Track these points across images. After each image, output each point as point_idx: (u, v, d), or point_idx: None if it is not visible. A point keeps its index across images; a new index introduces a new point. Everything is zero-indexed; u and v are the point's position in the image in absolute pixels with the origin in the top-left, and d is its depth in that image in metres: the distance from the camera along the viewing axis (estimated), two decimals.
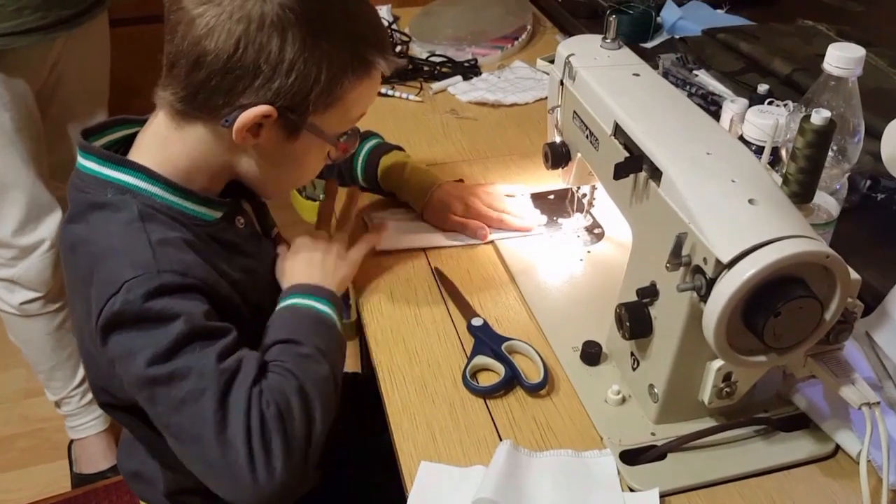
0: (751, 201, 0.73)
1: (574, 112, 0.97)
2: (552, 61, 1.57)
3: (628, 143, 0.85)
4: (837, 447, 0.83)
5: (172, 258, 0.79)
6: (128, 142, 0.89)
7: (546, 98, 1.47)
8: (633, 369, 0.88)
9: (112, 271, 0.77)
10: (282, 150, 0.85)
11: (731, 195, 0.74)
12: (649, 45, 1.60)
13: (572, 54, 0.98)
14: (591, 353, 0.92)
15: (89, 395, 1.82)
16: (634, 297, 0.84)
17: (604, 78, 0.93)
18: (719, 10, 1.72)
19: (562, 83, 1.00)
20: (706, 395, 0.81)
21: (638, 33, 1.59)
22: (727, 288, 0.69)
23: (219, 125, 0.81)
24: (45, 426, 1.98)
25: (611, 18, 0.98)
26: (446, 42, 1.64)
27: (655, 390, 0.83)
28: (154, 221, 0.81)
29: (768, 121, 0.94)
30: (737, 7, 1.73)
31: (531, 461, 0.81)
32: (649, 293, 0.82)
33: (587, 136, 0.94)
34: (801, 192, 0.78)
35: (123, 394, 0.83)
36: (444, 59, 1.59)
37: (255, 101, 0.79)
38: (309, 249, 0.98)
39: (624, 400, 0.87)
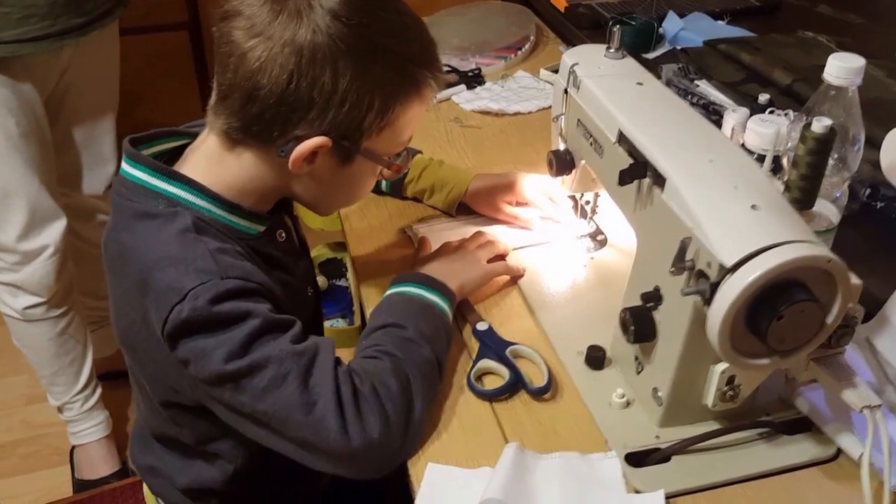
0: (753, 207, 0.74)
1: (578, 120, 0.99)
2: (556, 71, 1.60)
3: (632, 151, 0.86)
4: (839, 450, 0.84)
5: (234, 264, 0.81)
6: (173, 153, 0.90)
7: (549, 107, 1.50)
8: (638, 373, 0.89)
9: (173, 280, 0.78)
10: (336, 175, 0.87)
11: (734, 201, 0.75)
12: (651, 55, 1.62)
13: (577, 63, 1.00)
14: (596, 358, 0.93)
15: (91, 401, 1.83)
16: (639, 302, 0.85)
17: (608, 87, 0.95)
18: (720, 22, 1.74)
19: (566, 92, 1.02)
20: (710, 398, 0.82)
21: (640, 44, 1.61)
22: (731, 291, 0.70)
23: (273, 153, 0.83)
24: (47, 432, 1.98)
25: (615, 29, 0.99)
26: (451, 52, 1.66)
27: (659, 394, 0.85)
28: (207, 233, 0.82)
29: (769, 129, 0.95)
30: (738, 19, 1.75)
31: (537, 463, 0.82)
32: (653, 298, 0.83)
33: (591, 144, 0.96)
34: (803, 199, 0.80)
35: (176, 392, 0.86)
36: (449, 69, 1.61)
37: (309, 132, 0.80)
38: (447, 250, 1.05)
39: (628, 403, 0.88)
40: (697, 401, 0.84)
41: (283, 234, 0.94)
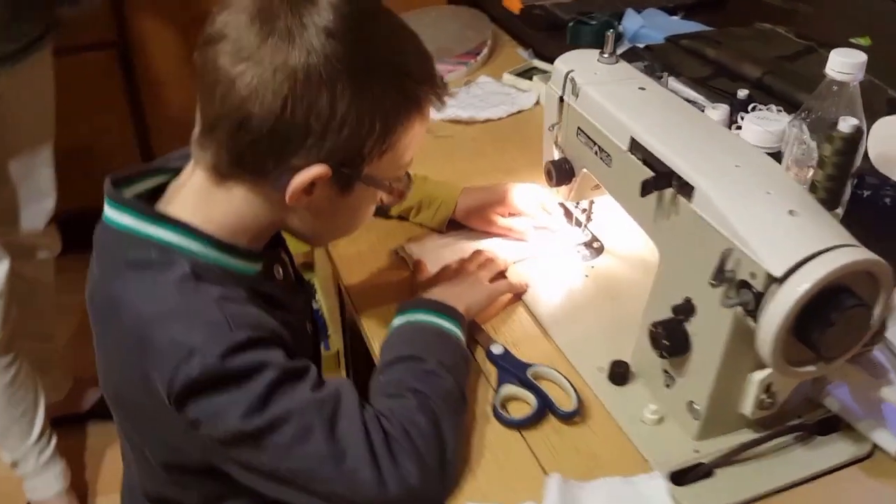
0: (791, 212, 0.72)
1: (578, 128, 0.96)
2: (519, 75, 1.58)
3: (648, 159, 0.84)
4: (874, 446, 0.84)
5: (242, 312, 0.75)
6: (154, 192, 0.83)
7: (518, 112, 1.47)
8: (667, 387, 0.86)
9: (177, 336, 0.72)
10: (335, 204, 0.81)
11: (771, 207, 0.73)
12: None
13: (572, 70, 0.97)
14: (619, 373, 0.90)
15: (47, 453, 1.72)
16: (665, 315, 0.83)
17: (611, 93, 0.92)
18: (674, 17, 1.74)
19: (561, 100, 0.99)
20: (748, 407, 0.80)
21: (601, 44, 1.58)
22: (783, 304, 0.68)
23: (267, 186, 0.77)
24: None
25: (608, 33, 0.97)
26: None
27: (696, 406, 0.82)
28: (207, 280, 0.76)
29: (776, 127, 0.94)
30: (691, 13, 1.76)
31: (582, 492, 0.78)
32: (685, 310, 0.81)
33: (597, 153, 0.93)
34: (829, 199, 0.79)
35: (182, 453, 0.80)
36: None
37: (306, 161, 0.74)
38: (447, 273, 1.01)
39: (661, 419, 0.86)
40: (734, 411, 0.82)
41: (281, 271, 0.88)
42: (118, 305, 0.76)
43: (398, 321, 0.91)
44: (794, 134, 0.93)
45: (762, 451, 0.82)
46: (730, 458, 0.81)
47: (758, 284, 0.71)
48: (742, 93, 1.25)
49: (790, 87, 1.31)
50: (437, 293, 0.95)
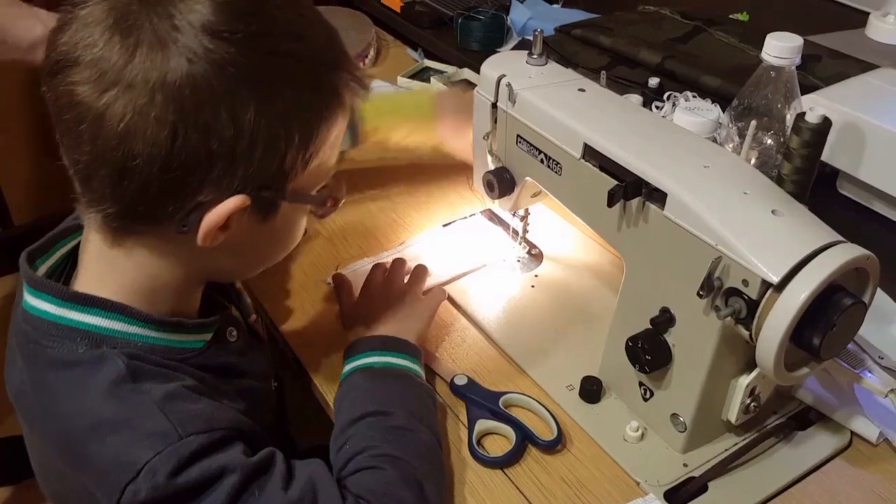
0: (774, 212, 0.70)
1: (519, 136, 0.90)
2: (412, 76, 1.51)
3: (607, 166, 0.79)
4: (851, 434, 0.83)
5: (190, 414, 0.62)
6: (69, 260, 0.70)
7: None
8: (646, 400, 0.82)
9: (118, 453, 0.60)
10: (259, 233, 0.67)
11: (752, 209, 0.70)
12: (504, 49, 1.56)
13: (503, 75, 0.91)
14: (592, 391, 0.86)
15: None
16: (639, 328, 0.79)
17: (551, 97, 0.87)
18: (556, 6, 1.72)
19: (495, 106, 0.93)
20: (734, 413, 0.78)
21: (492, 39, 1.54)
22: (785, 312, 0.65)
23: (171, 232, 0.63)
24: None
25: (536, 32, 0.91)
26: None
27: (681, 419, 0.79)
28: (146, 376, 0.63)
29: (709, 117, 0.92)
30: (571, 0, 1.74)
31: None
32: (664, 321, 0.77)
33: (542, 161, 0.87)
34: (798, 192, 0.77)
35: None
36: None
37: (217, 194, 0.60)
38: (382, 293, 0.90)
39: (643, 435, 0.82)
40: (717, 418, 0.80)
41: (234, 332, 0.76)
42: (47, 413, 0.64)
43: (349, 367, 0.82)
44: (733, 131, 0.91)
45: (749, 455, 0.80)
46: (722, 470, 0.78)
47: (751, 292, 0.67)
48: (653, 81, 1.24)
49: (692, 69, 1.30)
50: (380, 325, 0.87)
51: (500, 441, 0.82)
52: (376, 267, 0.97)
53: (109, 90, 0.56)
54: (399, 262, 0.98)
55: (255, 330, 0.85)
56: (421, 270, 0.96)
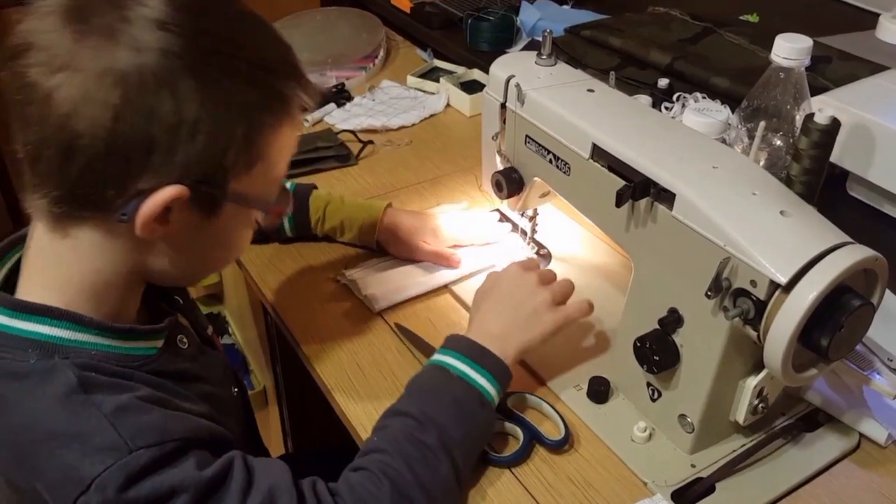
0: (782, 213, 0.70)
1: (527, 136, 0.90)
2: (422, 76, 1.51)
3: (616, 166, 0.79)
4: (860, 436, 0.83)
5: (141, 427, 0.62)
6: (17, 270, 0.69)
7: (430, 117, 1.41)
8: (654, 400, 0.83)
9: (69, 467, 0.59)
10: (200, 232, 0.67)
11: (761, 209, 0.70)
12: (513, 50, 1.56)
13: (512, 76, 0.91)
14: (601, 391, 0.86)
15: None
16: (647, 328, 0.79)
17: (560, 97, 0.87)
18: (565, 6, 1.72)
19: (503, 107, 0.93)
20: (741, 414, 0.78)
21: (502, 39, 1.54)
22: (793, 313, 0.65)
23: (113, 221, 0.63)
24: None
25: (546, 33, 0.92)
26: (305, 68, 1.51)
27: (689, 419, 0.79)
28: (97, 387, 0.63)
29: (719, 118, 0.92)
30: (580, 1, 1.74)
31: None
32: (672, 322, 0.77)
33: (551, 161, 0.88)
34: (807, 194, 0.77)
35: None
36: None
37: (157, 182, 0.61)
38: (512, 283, 0.86)
39: (650, 435, 0.82)
40: (725, 419, 0.80)
41: (185, 339, 0.75)
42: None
43: (435, 358, 0.80)
44: (742, 132, 0.91)
45: (756, 456, 0.80)
46: (729, 470, 0.78)
47: (759, 292, 0.67)
48: (662, 82, 1.24)
49: (702, 70, 1.30)
50: (488, 325, 0.82)
51: (509, 441, 0.82)
52: (517, 262, 0.91)
53: (58, 73, 0.58)
54: (530, 263, 0.92)
55: (212, 341, 0.84)
56: (565, 283, 0.89)
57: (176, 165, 0.61)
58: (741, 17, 1.61)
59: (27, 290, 0.67)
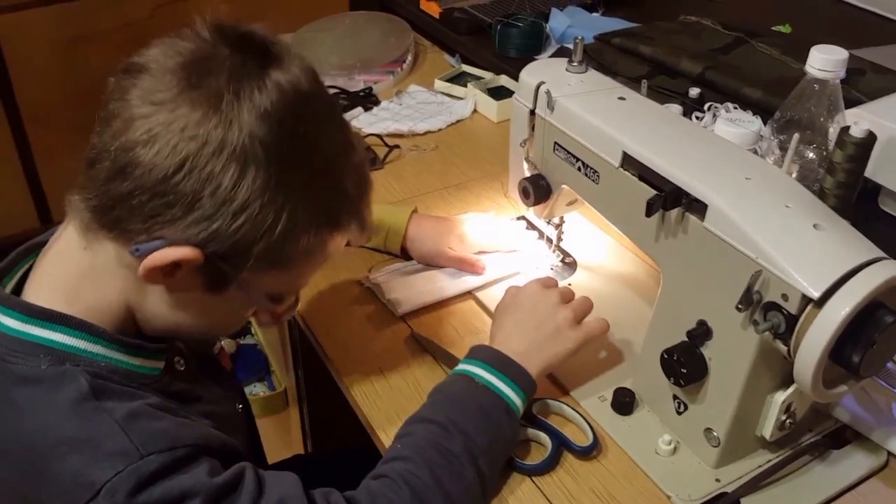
0: (815, 226, 0.69)
1: (556, 143, 0.90)
2: (449, 81, 1.51)
3: (646, 175, 0.78)
4: (888, 455, 0.82)
5: (153, 433, 0.62)
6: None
7: (457, 122, 1.41)
8: (679, 413, 0.82)
9: (78, 472, 0.59)
10: (199, 299, 0.67)
11: (794, 222, 0.69)
12: (542, 57, 1.55)
13: (542, 82, 0.91)
14: (626, 403, 0.85)
15: None
16: (675, 340, 0.78)
17: (590, 105, 0.86)
18: (595, 14, 1.71)
19: (532, 113, 0.93)
20: (768, 429, 0.77)
21: (530, 46, 1.54)
22: (825, 328, 0.64)
23: (128, 252, 0.63)
24: None
25: (577, 40, 0.91)
26: (334, 71, 1.52)
27: (715, 433, 0.78)
28: (109, 394, 0.63)
29: (751, 129, 0.91)
30: (611, 9, 1.73)
31: None
32: (701, 334, 0.76)
33: (580, 169, 0.87)
34: (841, 207, 0.76)
35: None
36: (338, 90, 1.47)
37: (180, 237, 0.61)
38: (534, 301, 0.86)
39: (675, 448, 0.81)
40: (751, 434, 0.79)
41: (182, 361, 0.74)
42: (10, 430, 0.63)
43: (460, 367, 0.80)
44: (774, 144, 0.90)
45: (782, 472, 0.79)
46: (755, 486, 0.77)
47: (790, 306, 0.66)
48: (693, 91, 1.23)
49: (733, 81, 1.29)
50: (514, 339, 0.82)
51: (533, 448, 0.82)
52: (536, 280, 0.91)
53: (152, 106, 0.60)
54: (548, 281, 0.91)
55: (217, 360, 0.83)
56: (585, 301, 0.88)
57: (207, 231, 0.61)
58: (773, 28, 1.60)
59: (35, 293, 0.67)
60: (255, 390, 1.57)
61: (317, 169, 0.64)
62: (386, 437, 0.83)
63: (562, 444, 0.80)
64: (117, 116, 0.60)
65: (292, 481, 0.68)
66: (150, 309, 0.68)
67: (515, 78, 0.95)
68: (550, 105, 0.89)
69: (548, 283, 0.89)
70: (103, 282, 0.66)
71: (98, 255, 0.65)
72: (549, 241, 1.05)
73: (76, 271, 0.66)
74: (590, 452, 0.80)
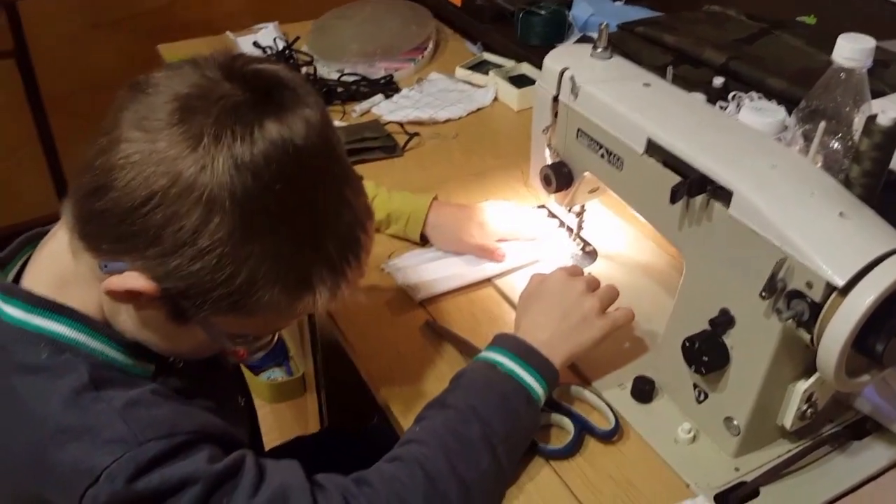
0: (841, 214, 0.68)
1: (579, 130, 0.90)
2: (471, 69, 1.51)
3: (671, 162, 0.78)
4: None
5: (152, 420, 0.62)
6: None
7: (478, 110, 1.41)
8: (699, 402, 0.81)
9: (78, 459, 0.60)
10: (166, 327, 0.65)
11: (819, 210, 0.69)
12: (565, 45, 1.55)
13: (567, 68, 0.90)
14: (645, 391, 0.85)
15: None
16: (697, 328, 0.78)
17: (615, 91, 0.86)
18: (618, 3, 1.70)
19: (556, 100, 0.92)
20: (789, 419, 0.77)
21: (552, 34, 1.54)
22: (849, 317, 0.64)
23: (98, 267, 0.62)
24: None
25: (602, 26, 0.91)
26: (354, 59, 1.52)
27: (735, 422, 0.78)
28: (108, 383, 0.63)
29: (775, 118, 0.90)
30: None
31: None
32: (723, 322, 0.76)
33: (603, 156, 0.87)
34: (866, 196, 0.75)
35: None
36: (358, 78, 1.47)
37: (141, 266, 0.60)
38: (559, 289, 0.85)
39: (695, 437, 0.81)
40: (772, 423, 0.78)
41: (180, 360, 0.73)
42: (11, 419, 0.64)
43: (483, 355, 0.80)
44: (799, 133, 0.89)
45: (802, 462, 0.79)
46: (774, 475, 0.77)
47: (815, 294, 0.66)
48: (717, 81, 1.22)
49: (757, 71, 1.28)
50: (539, 328, 0.82)
51: (553, 432, 0.82)
52: (562, 268, 0.90)
53: (139, 132, 0.58)
54: (574, 269, 0.91)
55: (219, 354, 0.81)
56: (611, 289, 0.88)
57: (165, 269, 0.60)
58: (798, 19, 1.58)
59: (31, 283, 0.67)
60: (273, 375, 1.58)
61: (291, 229, 0.61)
62: (405, 421, 0.83)
63: (584, 428, 0.80)
64: (107, 133, 0.60)
65: (293, 467, 0.68)
66: (122, 324, 0.67)
67: (538, 66, 0.94)
68: (574, 91, 0.89)
69: (574, 272, 0.89)
70: (85, 288, 0.65)
71: (80, 262, 0.65)
72: (570, 229, 1.05)
73: (64, 273, 0.66)
74: (612, 436, 0.80)
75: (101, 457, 0.60)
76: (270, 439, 1.19)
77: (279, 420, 1.60)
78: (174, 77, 0.60)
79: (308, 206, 0.62)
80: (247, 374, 1.54)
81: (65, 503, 0.60)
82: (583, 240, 1.06)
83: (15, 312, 0.65)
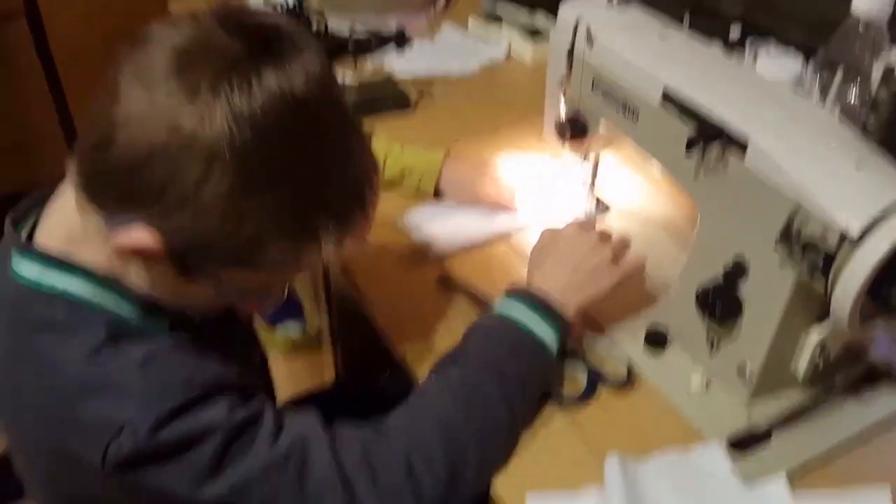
0: (857, 165, 0.68)
1: (595, 81, 0.89)
2: (485, 18, 1.49)
3: (687, 112, 0.78)
4: None
5: (171, 373, 0.64)
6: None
7: (490, 64, 1.40)
8: (713, 350, 0.82)
9: (100, 413, 0.61)
10: (175, 283, 0.65)
11: (835, 160, 0.69)
12: None
13: (581, 18, 0.90)
14: (658, 341, 0.86)
15: None
16: (711, 277, 0.79)
17: (631, 42, 0.86)
18: None
19: (571, 50, 0.92)
20: (802, 367, 0.78)
21: None
22: (863, 265, 0.64)
23: (106, 223, 0.62)
24: None
25: None
26: (366, 13, 1.51)
27: (748, 371, 0.79)
28: (126, 337, 0.64)
29: (788, 69, 0.90)
30: None
31: (641, 472, 0.74)
32: (736, 271, 0.76)
33: (618, 107, 0.87)
34: (884, 145, 0.75)
35: None
36: (370, 32, 1.46)
37: (147, 222, 0.60)
38: (571, 242, 0.85)
39: (707, 385, 0.82)
40: (785, 372, 0.79)
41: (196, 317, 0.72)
42: (32, 377, 0.64)
43: (495, 311, 0.81)
44: (816, 84, 0.89)
45: (814, 409, 0.80)
46: (786, 422, 0.78)
47: (830, 243, 0.66)
48: (735, 30, 1.21)
49: (775, 21, 1.27)
50: (550, 281, 0.82)
51: (569, 382, 0.83)
52: (575, 222, 0.91)
53: (138, 87, 0.57)
54: (587, 225, 0.91)
55: (234, 313, 0.83)
56: (623, 240, 0.88)
57: (168, 224, 0.60)
58: None
59: (43, 240, 0.67)
60: (288, 331, 1.60)
61: (294, 181, 0.60)
62: (420, 372, 0.84)
63: (597, 377, 0.82)
64: (109, 87, 0.59)
65: (312, 417, 0.70)
66: (132, 280, 0.67)
67: (554, 14, 0.94)
68: (590, 42, 0.88)
69: (586, 226, 0.89)
70: (94, 245, 0.65)
71: (88, 220, 0.64)
72: (584, 183, 1.05)
73: (73, 230, 0.66)
74: (625, 385, 0.81)
75: (123, 410, 0.61)
76: (284, 394, 1.21)
77: (294, 375, 1.62)
78: (173, 29, 0.59)
79: (310, 158, 0.61)
80: (262, 332, 1.56)
81: (89, 456, 0.62)
82: (596, 193, 1.06)
83: (30, 271, 0.65)
